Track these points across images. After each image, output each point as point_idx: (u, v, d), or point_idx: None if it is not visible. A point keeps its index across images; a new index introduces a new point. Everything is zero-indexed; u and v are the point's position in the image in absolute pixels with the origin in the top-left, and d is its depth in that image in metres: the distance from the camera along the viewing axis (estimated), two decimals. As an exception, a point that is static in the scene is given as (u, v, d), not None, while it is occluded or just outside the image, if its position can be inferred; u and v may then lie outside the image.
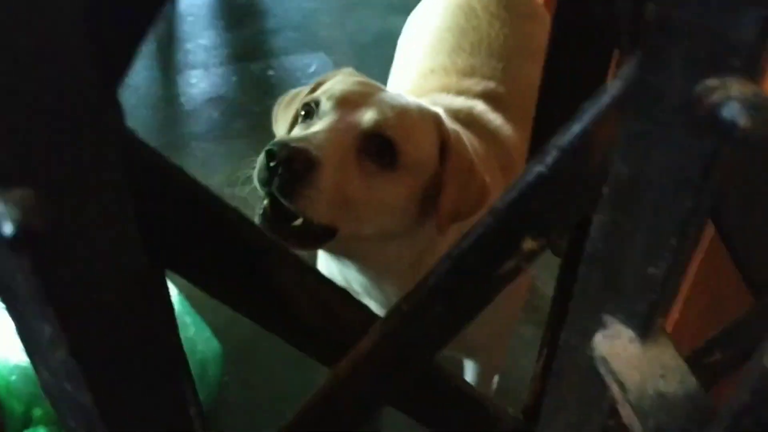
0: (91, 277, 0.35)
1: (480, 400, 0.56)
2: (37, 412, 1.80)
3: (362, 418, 0.52)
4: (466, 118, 1.24)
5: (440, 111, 1.06)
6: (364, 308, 0.48)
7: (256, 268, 0.43)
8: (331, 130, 0.91)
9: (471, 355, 1.35)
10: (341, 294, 0.46)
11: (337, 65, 2.72)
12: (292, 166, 0.84)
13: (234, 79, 2.63)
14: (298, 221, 0.90)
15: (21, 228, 0.29)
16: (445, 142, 1.02)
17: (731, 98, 0.34)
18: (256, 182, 0.89)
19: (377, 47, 2.88)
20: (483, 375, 1.39)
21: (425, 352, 0.49)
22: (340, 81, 1.03)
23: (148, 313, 0.39)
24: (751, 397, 0.36)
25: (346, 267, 1.09)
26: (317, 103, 0.97)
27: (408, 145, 0.97)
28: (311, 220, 0.87)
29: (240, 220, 0.41)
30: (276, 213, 0.89)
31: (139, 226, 0.37)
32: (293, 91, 1.22)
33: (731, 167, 0.47)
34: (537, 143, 0.43)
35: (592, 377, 0.50)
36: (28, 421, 1.82)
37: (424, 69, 1.45)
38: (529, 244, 0.44)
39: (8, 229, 0.29)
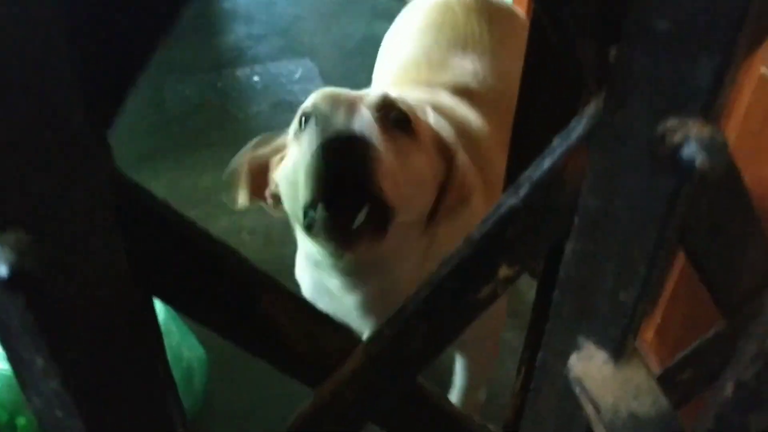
0: (82, 310, 0.37)
1: (461, 419, 0.58)
2: (21, 420, 1.79)
3: (346, 436, 0.53)
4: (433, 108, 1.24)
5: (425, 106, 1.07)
6: (349, 333, 0.49)
7: (242, 298, 0.44)
8: (350, 111, 0.87)
9: (462, 348, 1.35)
10: (326, 320, 0.48)
11: (323, 71, 2.74)
12: (354, 154, 0.81)
13: (219, 85, 2.63)
14: (359, 220, 0.85)
15: (16, 270, 0.30)
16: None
17: (690, 139, 0.36)
18: (308, 193, 0.84)
19: (362, 53, 2.89)
20: (473, 374, 1.39)
21: (407, 373, 0.51)
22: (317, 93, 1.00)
23: (136, 340, 0.41)
24: (714, 425, 0.38)
25: (346, 291, 1.08)
26: (306, 117, 0.93)
27: (416, 117, 0.98)
28: (386, 201, 0.83)
29: (226, 251, 0.43)
30: (334, 220, 0.85)
31: (127, 257, 0.39)
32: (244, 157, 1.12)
33: (695, 199, 0.49)
34: (514, 168, 0.44)
35: (568, 396, 0.52)
36: (12, 430, 1.81)
37: (401, 63, 1.47)
38: (504, 271, 0.46)
39: (4, 271, 0.30)
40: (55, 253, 0.34)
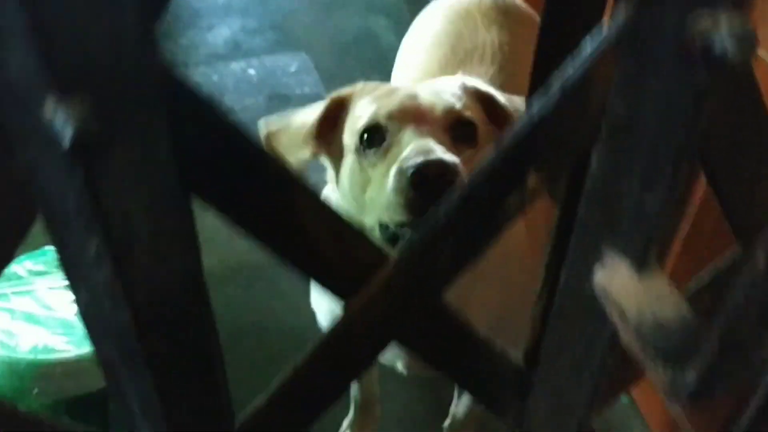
0: (132, 194, 0.38)
1: (484, 341, 0.59)
2: (21, 408, 1.80)
3: (374, 353, 0.55)
4: None
5: (461, 81, 1.08)
6: (377, 245, 0.50)
7: (278, 201, 0.45)
8: (426, 135, 0.91)
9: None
10: (356, 230, 0.49)
11: (318, 64, 2.76)
12: (445, 179, 0.83)
13: (215, 78, 2.65)
14: None
15: (79, 139, 0.31)
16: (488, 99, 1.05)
17: (721, 31, 0.38)
18: (397, 216, 0.88)
19: (357, 46, 2.92)
20: None
21: (435, 286, 0.52)
22: (379, 96, 1.02)
23: (178, 235, 0.42)
24: (747, 293, 0.40)
25: None
26: (376, 128, 0.96)
27: (479, 120, 1.00)
28: None
29: (264, 154, 0.44)
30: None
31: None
32: (291, 120, 1.15)
33: (719, 108, 0.51)
34: (538, 80, 0.46)
35: (592, 312, 0.54)
36: None
37: (416, 73, 1.48)
38: (533, 179, 0.48)
39: (67, 138, 0.31)
40: (111, 126, 0.35)
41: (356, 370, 0.55)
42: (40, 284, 1.94)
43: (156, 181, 0.39)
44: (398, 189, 0.86)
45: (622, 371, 0.67)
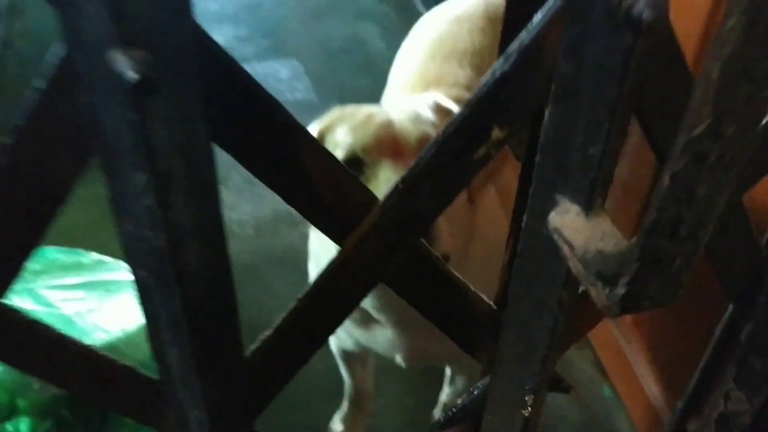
0: (172, 135, 0.47)
1: (459, 284, 0.69)
2: (22, 402, 1.86)
3: (365, 289, 0.64)
4: None
5: (433, 101, 1.17)
6: (369, 191, 0.60)
7: (286, 146, 0.55)
8: (401, 169, 0.98)
9: (450, 363, 1.53)
10: (351, 176, 0.59)
11: (308, 70, 2.86)
12: None
13: (208, 83, 2.73)
14: None
15: (141, 76, 0.41)
16: None
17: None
18: None
19: (347, 52, 3.02)
20: (461, 380, 1.56)
21: (415, 226, 0.62)
22: (355, 127, 1.07)
23: (203, 178, 0.51)
24: (655, 217, 0.49)
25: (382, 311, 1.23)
26: (354, 160, 1.03)
27: None
28: (446, 255, 0.94)
29: (276, 104, 0.54)
30: None
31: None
32: None
33: (649, 66, 0.61)
34: (505, 45, 0.56)
35: (549, 252, 0.63)
36: (13, 411, 1.87)
37: (406, 79, 1.58)
38: (497, 133, 0.58)
39: (133, 75, 0.41)
40: (161, 79, 0.44)
41: (350, 304, 0.65)
42: (40, 283, 1.99)
43: (189, 126, 0.48)
44: None
45: (577, 317, 0.77)
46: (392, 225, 0.60)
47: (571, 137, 0.57)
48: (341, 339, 1.59)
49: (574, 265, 0.59)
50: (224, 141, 0.54)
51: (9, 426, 1.83)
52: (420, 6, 2.88)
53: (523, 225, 0.65)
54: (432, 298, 0.69)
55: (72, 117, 0.48)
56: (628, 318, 2.08)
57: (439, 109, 1.14)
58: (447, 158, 0.58)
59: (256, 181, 1.33)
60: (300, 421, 2.04)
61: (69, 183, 0.52)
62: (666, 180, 0.47)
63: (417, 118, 1.07)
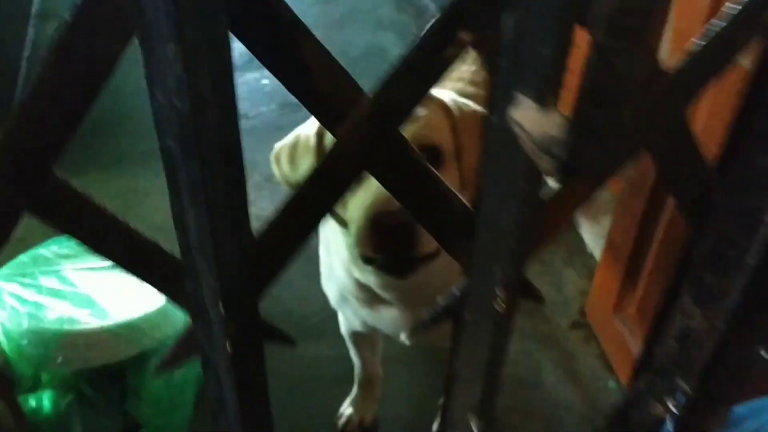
0: (197, 17, 0.60)
1: (437, 181, 0.81)
2: (45, 375, 1.96)
3: (354, 175, 0.76)
4: None
5: (445, 96, 1.28)
6: (356, 83, 0.72)
7: (288, 38, 0.67)
8: None
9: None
10: (344, 71, 0.71)
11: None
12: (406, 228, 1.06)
13: (231, 87, 2.88)
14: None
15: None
16: (452, 118, 1.24)
17: None
18: (365, 250, 1.10)
19: (366, 60, 3.16)
20: None
21: (397, 117, 0.74)
22: None
23: (221, 59, 0.63)
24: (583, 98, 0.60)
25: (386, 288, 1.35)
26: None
27: (443, 140, 1.19)
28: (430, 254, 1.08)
29: (283, 4, 0.66)
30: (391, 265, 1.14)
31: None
32: (289, 141, 1.41)
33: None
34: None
35: (510, 144, 0.74)
36: (36, 384, 1.97)
37: None
38: (463, 35, 0.70)
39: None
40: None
41: (341, 188, 0.77)
42: (67, 266, 2.07)
43: (211, 13, 0.61)
44: (362, 228, 1.07)
45: (545, 217, 0.88)
46: (378, 115, 0.72)
47: (525, 40, 0.69)
48: (350, 320, 1.71)
49: (530, 148, 0.70)
50: (239, 32, 0.66)
51: (32, 398, 1.93)
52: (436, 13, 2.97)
53: (489, 124, 0.76)
54: (411, 190, 0.80)
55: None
56: (633, 312, 2.16)
57: (435, 103, 1.26)
58: (422, 57, 0.70)
59: (274, 178, 1.46)
60: (313, 405, 2.18)
61: (114, 59, 0.64)
62: (593, 54, 0.58)
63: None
